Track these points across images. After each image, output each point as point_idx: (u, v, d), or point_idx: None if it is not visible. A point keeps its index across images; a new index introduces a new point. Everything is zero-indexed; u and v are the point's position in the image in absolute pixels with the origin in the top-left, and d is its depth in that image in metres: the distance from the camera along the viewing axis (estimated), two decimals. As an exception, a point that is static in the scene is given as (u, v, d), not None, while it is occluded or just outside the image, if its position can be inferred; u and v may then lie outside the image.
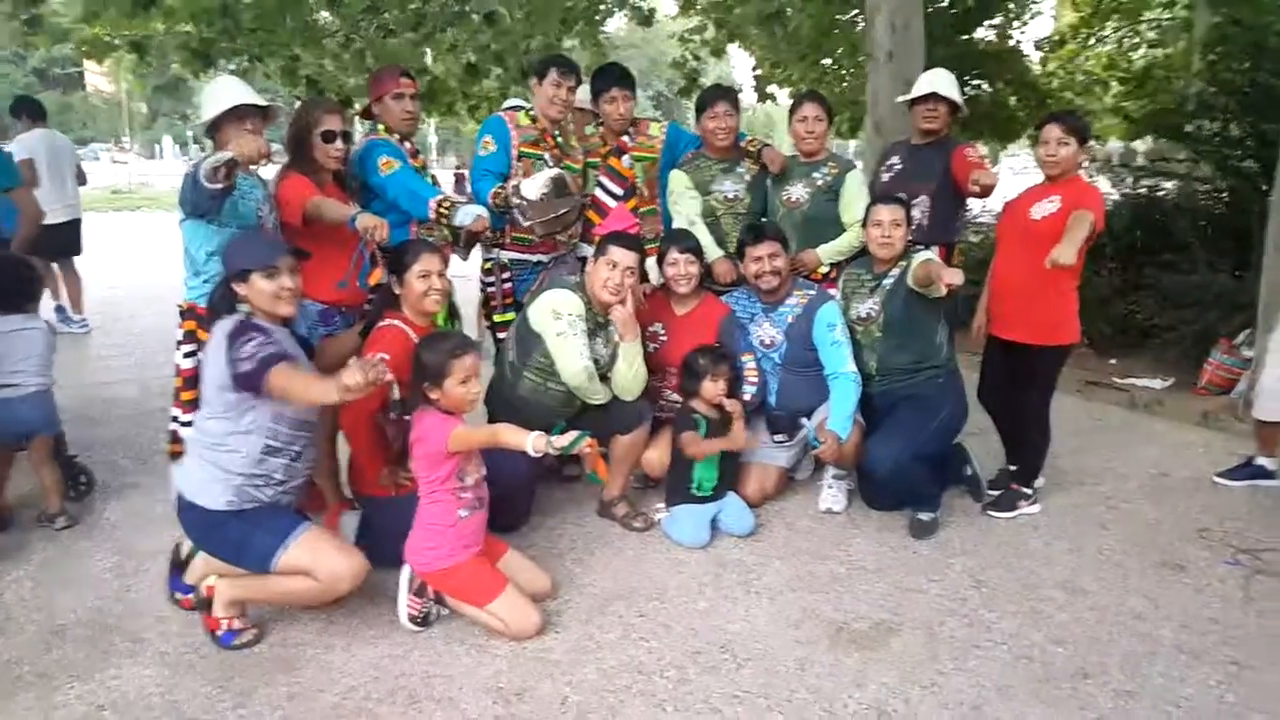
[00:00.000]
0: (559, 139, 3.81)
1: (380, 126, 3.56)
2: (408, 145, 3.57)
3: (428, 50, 7.50)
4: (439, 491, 2.68)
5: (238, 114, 2.98)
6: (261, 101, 3.05)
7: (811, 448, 3.53)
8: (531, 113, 3.78)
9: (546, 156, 3.73)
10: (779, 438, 3.68)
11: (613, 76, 3.93)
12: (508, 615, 2.65)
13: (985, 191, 3.62)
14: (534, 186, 3.41)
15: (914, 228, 3.65)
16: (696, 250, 3.62)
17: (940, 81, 3.86)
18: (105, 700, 2.39)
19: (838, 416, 3.41)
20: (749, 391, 3.58)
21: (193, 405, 2.82)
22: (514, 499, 3.27)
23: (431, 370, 2.65)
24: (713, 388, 3.42)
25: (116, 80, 30.56)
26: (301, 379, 2.45)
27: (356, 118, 3.95)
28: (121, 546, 3.28)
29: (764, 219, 3.94)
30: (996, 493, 3.64)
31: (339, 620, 2.77)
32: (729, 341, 3.60)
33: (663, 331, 3.69)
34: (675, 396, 3.63)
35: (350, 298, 3.27)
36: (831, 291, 3.70)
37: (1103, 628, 2.75)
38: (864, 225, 3.55)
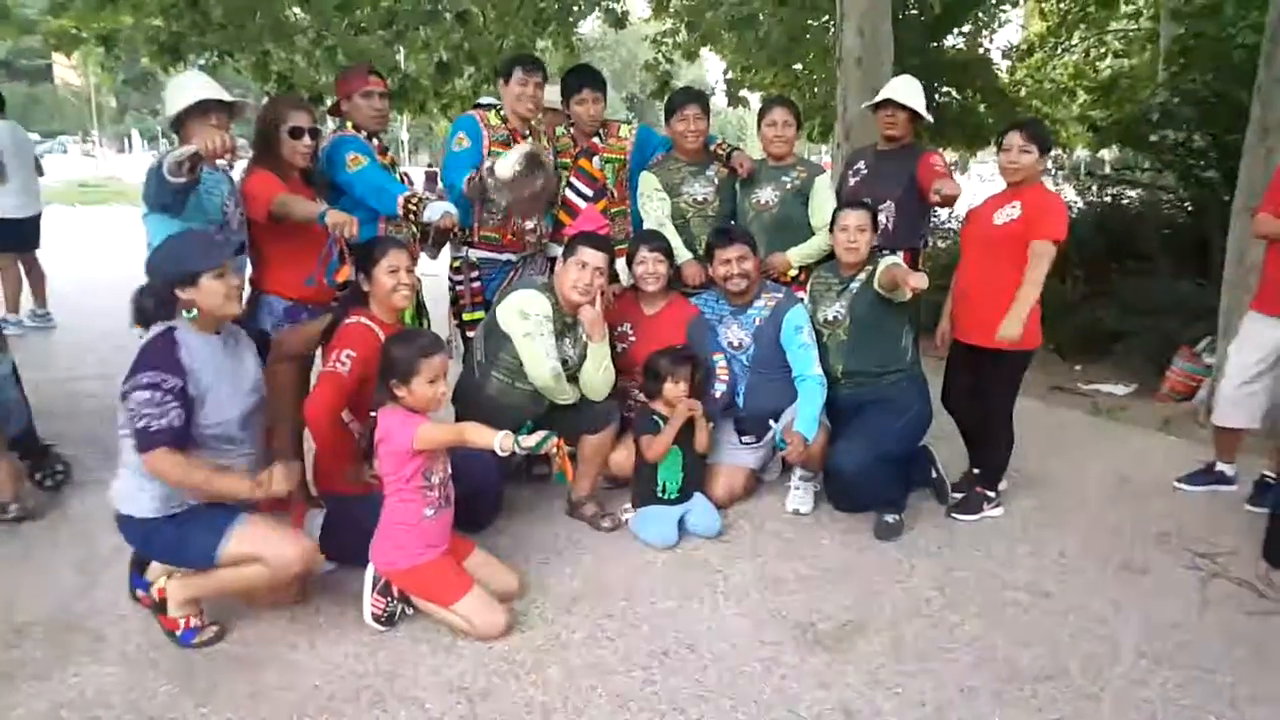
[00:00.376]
0: (528, 138, 3.79)
1: (349, 124, 3.53)
2: (376, 143, 3.54)
3: (400, 48, 7.46)
4: (404, 490, 2.66)
5: (203, 109, 2.95)
6: (227, 96, 3.02)
7: (778, 449, 3.55)
8: (502, 113, 3.77)
9: None
10: (746, 439, 3.70)
11: (584, 77, 3.93)
12: (473, 615, 2.63)
13: (947, 201, 3.67)
14: (507, 165, 3.39)
15: (879, 232, 3.69)
16: (666, 250, 3.64)
17: (899, 89, 3.91)
18: (64, 699, 2.35)
19: (804, 418, 3.42)
20: (720, 389, 3.59)
21: None
22: (481, 498, 3.26)
23: (400, 368, 2.63)
24: (674, 389, 3.42)
25: (85, 74, 30.05)
26: (187, 472, 2.42)
27: (327, 115, 3.90)
28: (85, 543, 3.23)
29: (733, 221, 3.96)
30: (961, 495, 3.68)
31: (302, 619, 2.75)
32: (698, 342, 3.61)
33: (631, 332, 3.70)
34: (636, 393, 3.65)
35: (317, 295, 3.24)
36: (800, 294, 3.73)
37: (1065, 630, 2.79)
38: (831, 230, 3.57)
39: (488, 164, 3.46)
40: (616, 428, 3.52)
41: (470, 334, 3.71)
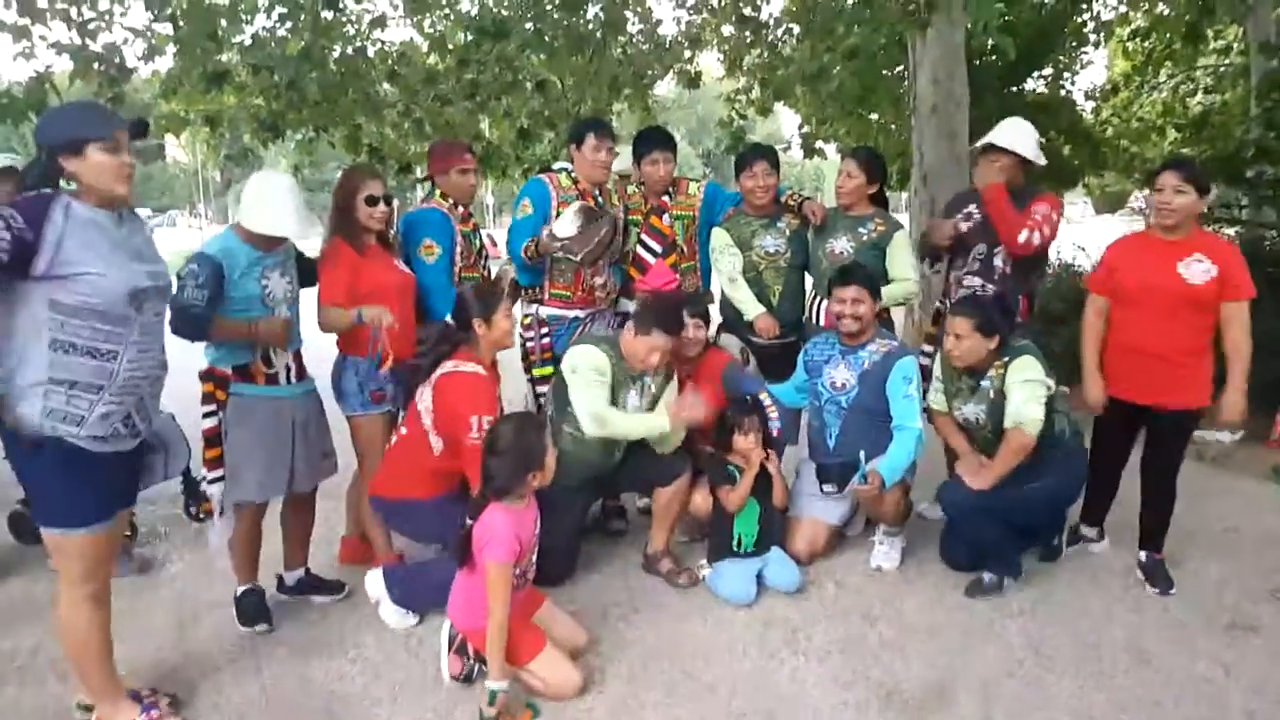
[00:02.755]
0: (599, 199, 3.88)
1: (438, 192, 3.69)
2: (461, 209, 3.68)
3: (483, 117, 7.73)
4: None
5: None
6: (302, 224, 2.95)
7: (858, 483, 3.38)
8: (573, 174, 3.87)
9: None
10: (828, 488, 3.58)
11: (655, 140, 4.01)
12: (548, 674, 2.64)
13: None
14: (566, 225, 3.54)
15: (996, 276, 3.62)
16: (705, 315, 3.69)
17: (1001, 132, 3.72)
18: (157, 751, 2.44)
19: (890, 463, 3.34)
20: (774, 426, 3.53)
21: (216, 463, 2.89)
22: (558, 554, 3.29)
23: (535, 457, 2.65)
24: (744, 441, 3.41)
25: (192, 151, 32.07)
26: None
27: (418, 183, 4.07)
28: (182, 598, 3.37)
29: (807, 271, 3.97)
30: (1143, 566, 3.43)
31: (386, 675, 2.81)
32: (733, 388, 3.61)
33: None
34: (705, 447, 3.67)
35: (399, 353, 3.28)
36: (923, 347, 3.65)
37: (1168, 693, 2.64)
38: (938, 327, 3.40)
39: (545, 230, 3.59)
40: (689, 478, 3.50)
41: (541, 390, 3.78)
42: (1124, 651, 2.89)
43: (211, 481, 2.91)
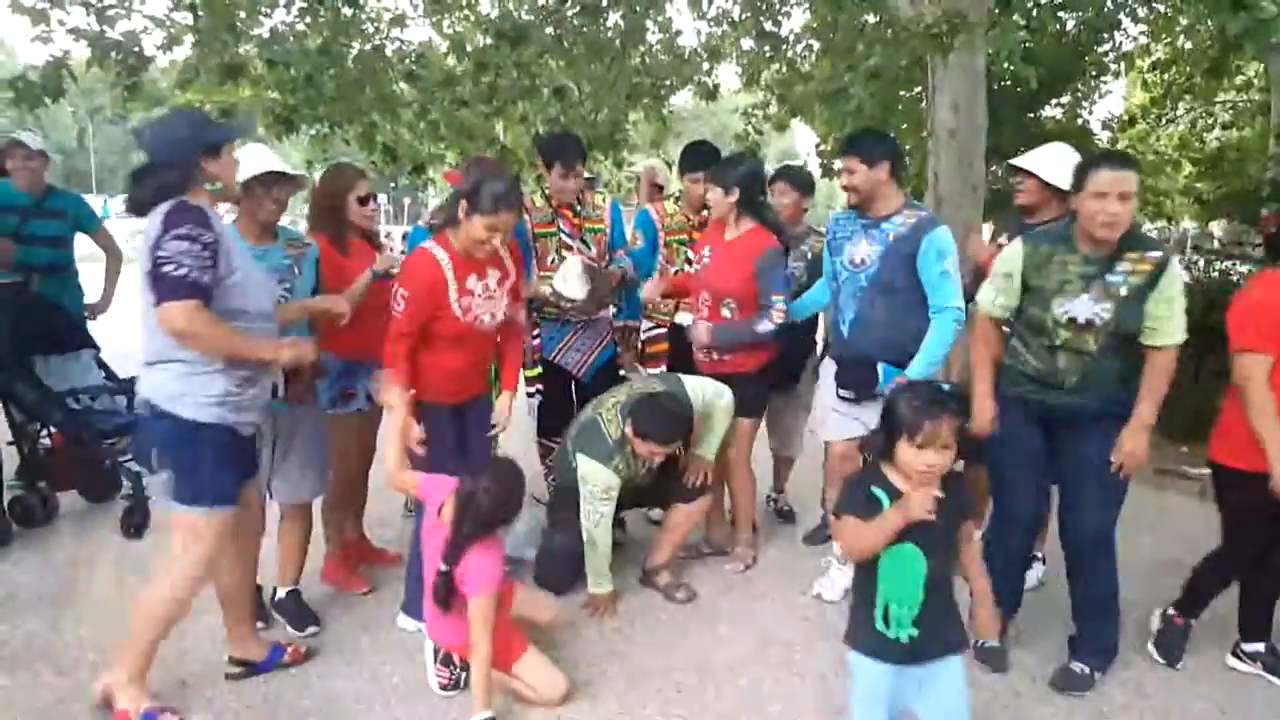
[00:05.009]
0: (578, 209, 3.83)
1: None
2: None
3: (498, 122, 7.72)
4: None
5: (264, 181, 2.90)
6: (291, 170, 2.99)
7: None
8: (547, 192, 3.84)
9: (562, 225, 3.78)
10: (844, 393, 3.28)
11: (700, 158, 3.94)
12: (533, 679, 2.61)
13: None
14: (574, 288, 3.58)
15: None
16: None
17: (1031, 155, 3.42)
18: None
19: (924, 357, 3.06)
20: (765, 327, 3.35)
21: None
22: (567, 560, 3.29)
23: (509, 512, 2.62)
24: (910, 454, 2.00)
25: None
26: (217, 329, 2.25)
27: (429, 182, 4.07)
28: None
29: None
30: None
31: (383, 678, 2.79)
32: (763, 277, 3.36)
33: (709, 256, 3.55)
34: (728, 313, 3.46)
35: (373, 354, 3.12)
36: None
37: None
38: (1077, 190, 2.65)
39: (549, 290, 3.60)
40: (709, 500, 3.49)
41: (530, 390, 3.79)
42: (1120, 688, 2.86)
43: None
